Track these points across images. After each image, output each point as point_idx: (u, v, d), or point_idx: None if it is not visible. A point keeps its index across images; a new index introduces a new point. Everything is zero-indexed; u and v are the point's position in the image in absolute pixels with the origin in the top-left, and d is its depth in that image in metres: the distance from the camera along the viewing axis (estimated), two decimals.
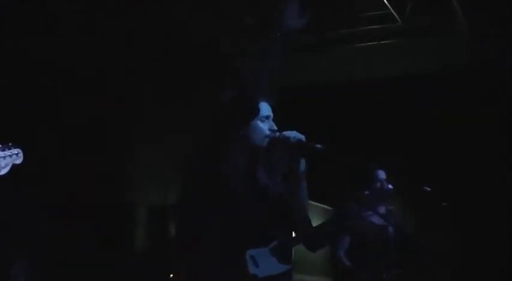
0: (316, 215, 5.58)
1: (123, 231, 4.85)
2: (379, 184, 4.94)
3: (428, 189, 4.35)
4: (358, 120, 7.94)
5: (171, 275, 4.79)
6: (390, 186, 4.89)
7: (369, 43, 8.02)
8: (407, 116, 7.81)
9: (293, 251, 3.39)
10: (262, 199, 3.25)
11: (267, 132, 3.30)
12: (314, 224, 3.53)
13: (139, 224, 4.86)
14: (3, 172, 3.30)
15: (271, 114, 3.37)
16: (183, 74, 5.69)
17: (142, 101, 5.25)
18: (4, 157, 3.32)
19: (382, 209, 5.05)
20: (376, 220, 5.03)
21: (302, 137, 3.28)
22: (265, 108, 3.34)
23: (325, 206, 7.22)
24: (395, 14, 7.64)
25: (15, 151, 3.38)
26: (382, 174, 4.99)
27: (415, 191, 4.50)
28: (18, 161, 3.38)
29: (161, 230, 4.89)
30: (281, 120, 3.42)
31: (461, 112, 7.57)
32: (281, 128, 3.34)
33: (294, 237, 3.45)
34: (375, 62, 8.04)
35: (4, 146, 3.33)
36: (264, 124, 3.31)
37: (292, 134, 3.28)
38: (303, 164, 3.32)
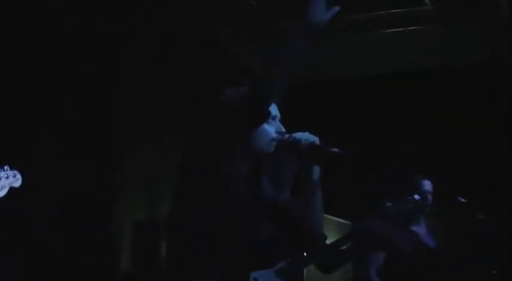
0: (333, 231, 5.03)
1: (108, 250, 4.49)
2: (412, 195, 4.38)
3: (463, 200, 3.84)
4: (380, 120, 7.21)
5: None
6: (417, 196, 4.34)
7: (391, 30, 7.17)
8: (438, 115, 7.07)
9: (304, 274, 2.96)
10: (267, 212, 2.79)
11: (274, 135, 2.84)
12: (329, 241, 3.06)
13: (125, 242, 4.48)
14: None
15: (278, 114, 2.91)
16: (179, 73, 5.38)
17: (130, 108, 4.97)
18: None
19: (414, 224, 4.53)
20: (409, 236, 4.50)
21: (315, 139, 2.81)
22: (271, 108, 2.87)
23: (343, 221, 6.54)
24: None
25: (11, 172, 3.30)
26: (426, 183, 4.45)
27: (448, 202, 3.96)
28: (17, 183, 3.31)
29: (149, 249, 4.51)
30: (289, 120, 2.95)
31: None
32: (290, 130, 2.87)
33: (305, 257, 2.95)
34: (398, 52, 7.24)
35: None
36: (270, 126, 2.85)
37: (304, 136, 2.81)
38: (316, 171, 2.86)
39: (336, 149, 2.78)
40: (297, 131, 2.85)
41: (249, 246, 2.70)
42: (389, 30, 7.20)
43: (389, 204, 4.40)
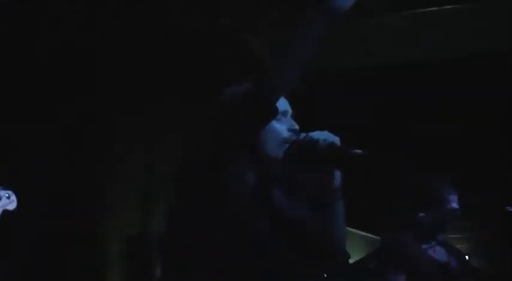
0: (357, 247, 4.53)
1: (97, 267, 4.16)
2: (445, 205, 3.90)
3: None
4: (409, 117, 6.69)
5: None
6: (455, 205, 3.86)
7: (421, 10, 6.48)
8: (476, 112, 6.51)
9: None
10: (278, 226, 2.35)
11: (286, 134, 2.41)
12: (353, 259, 2.63)
13: (116, 259, 4.16)
14: None
15: (290, 109, 2.48)
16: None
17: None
18: None
19: (444, 238, 4.03)
20: (438, 253, 4.02)
21: (336, 139, 2.37)
22: (280, 102, 2.42)
23: (368, 235, 5.92)
24: None
25: (4, 192, 3.11)
26: (451, 193, 3.95)
27: (490, 212, 3.49)
28: (11, 206, 3.13)
29: (142, 265, 4.17)
30: (303, 116, 2.51)
31: None
32: (304, 128, 2.43)
33: (325, 278, 2.61)
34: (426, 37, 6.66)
35: None
36: (281, 123, 2.42)
37: (322, 135, 2.37)
38: (337, 177, 2.41)
39: (359, 151, 2.34)
40: (313, 130, 2.40)
41: (258, 267, 2.28)
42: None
43: (422, 214, 3.96)
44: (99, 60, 4.68)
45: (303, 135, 2.40)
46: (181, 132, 4.39)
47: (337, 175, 2.41)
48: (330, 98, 6.54)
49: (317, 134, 2.38)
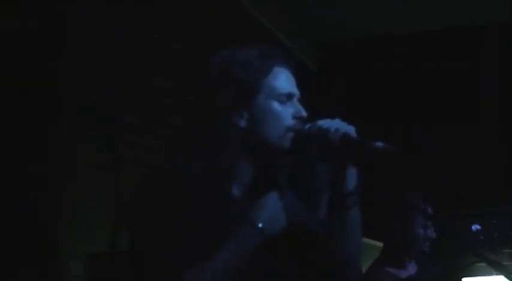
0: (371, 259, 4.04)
1: None
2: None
3: None
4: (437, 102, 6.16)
5: None
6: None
7: None
8: None
9: None
10: (283, 235, 1.92)
11: (291, 121, 1.97)
12: None
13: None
14: None
15: (297, 92, 2.04)
16: None
17: None
18: None
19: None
20: None
21: (350, 129, 1.94)
22: (285, 80, 2.01)
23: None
24: None
25: None
26: None
27: None
28: None
29: None
30: (312, 100, 2.07)
31: None
32: (313, 115, 1.99)
33: None
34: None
35: None
36: (285, 108, 1.98)
37: (334, 124, 1.94)
38: (352, 176, 1.97)
39: (380, 143, 1.90)
40: (323, 117, 1.97)
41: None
42: None
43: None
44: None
45: (308, 125, 1.96)
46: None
47: (352, 172, 1.97)
48: (342, 76, 6.05)
49: (327, 123, 1.95)
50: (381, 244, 3.52)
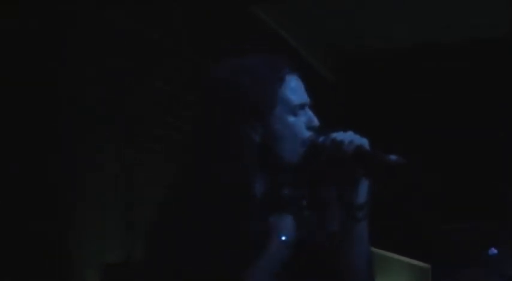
0: (391, 273, 4.00)
1: None
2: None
3: None
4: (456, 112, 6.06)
5: None
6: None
7: None
8: None
9: None
10: (294, 248, 1.91)
11: (304, 133, 1.95)
12: None
13: None
14: None
15: (308, 99, 2.00)
16: None
17: None
18: None
19: None
20: None
21: (364, 142, 1.92)
22: (297, 90, 1.98)
23: (407, 260, 5.14)
24: None
25: None
26: None
27: None
28: None
29: None
30: (326, 110, 2.04)
31: None
32: (326, 125, 1.97)
33: None
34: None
35: None
36: (298, 119, 1.96)
37: (347, 136, 1.92)
38: (364, 188, 1.95)
39: (394, 156, 1.88)
40: (337, 128, 1.95)
41: None
42: None
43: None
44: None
45: (322, 136, 1.94)
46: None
47: (364, 184, 1.95)
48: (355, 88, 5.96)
49: (341, 135, 1.93)
50: (393, 255, 3.48)
